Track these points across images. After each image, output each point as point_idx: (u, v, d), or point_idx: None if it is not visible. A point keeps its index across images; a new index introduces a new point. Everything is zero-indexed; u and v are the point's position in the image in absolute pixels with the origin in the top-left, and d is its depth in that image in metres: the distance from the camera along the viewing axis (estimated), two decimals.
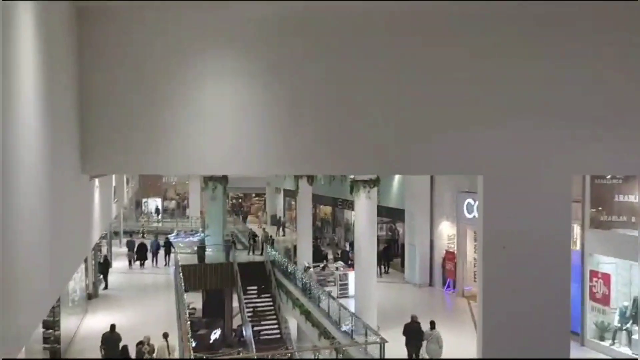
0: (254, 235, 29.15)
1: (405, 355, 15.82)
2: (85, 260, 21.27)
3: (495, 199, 6.39)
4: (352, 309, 18.38)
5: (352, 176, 18.16)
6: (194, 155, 6.01)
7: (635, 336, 15.30)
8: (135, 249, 29.40)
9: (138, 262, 28.93)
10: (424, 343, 15.09)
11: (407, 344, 15.10)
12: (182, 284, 22.51)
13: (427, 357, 15.05)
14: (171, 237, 32.09)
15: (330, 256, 27.97)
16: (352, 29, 6.14)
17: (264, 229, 30.29)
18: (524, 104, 6.26)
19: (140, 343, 13.95)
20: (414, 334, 15.00)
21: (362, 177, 17.79)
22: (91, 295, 21.72)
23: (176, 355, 14.45)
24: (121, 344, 14.11)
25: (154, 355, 13.73)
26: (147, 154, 5.97)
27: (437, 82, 6.23)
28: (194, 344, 20.87)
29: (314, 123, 6.11)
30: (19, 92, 3.68)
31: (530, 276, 6.39)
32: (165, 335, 14.28)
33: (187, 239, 31.58)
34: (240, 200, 51.88)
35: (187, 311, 26.44)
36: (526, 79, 6.25)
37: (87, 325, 18.49)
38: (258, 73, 6.06)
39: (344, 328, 17.32)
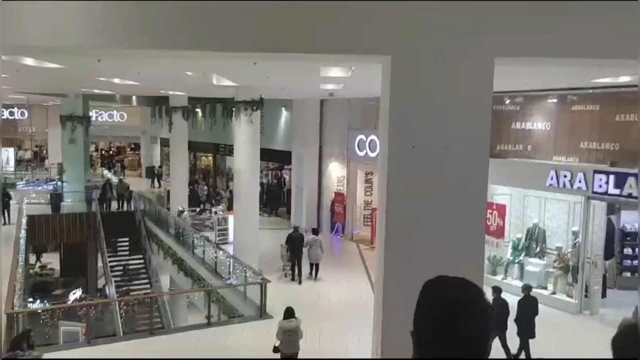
0: (110, 186, 25.26)
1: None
2: None
3: (404, 88, 5.02)
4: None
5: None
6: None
7: (527, 268, 14.78)
8: None
9: None
10: (305, 250, 15.80)
11: (291, 251, 16.05)
12: (23, 235, 18.89)
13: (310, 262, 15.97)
14: (20, 185, 27.41)
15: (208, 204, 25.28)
16: None
17: (120, 179, 26.65)
18: None
19: None
20: (297, 241, 16.01)
21: (244, 97, 15.31)
22: None
23: None
24: None
25: None
26: None
27: None
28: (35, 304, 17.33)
29: None
30: None
31: (443, 181, 5.11)
32: None
33: (40, 187, 27.11)
34: (112, 152, 47.09)
35: (38, 271, 22.75)
36: None
37: None
38: None
39: (226, 279, 15.01)
